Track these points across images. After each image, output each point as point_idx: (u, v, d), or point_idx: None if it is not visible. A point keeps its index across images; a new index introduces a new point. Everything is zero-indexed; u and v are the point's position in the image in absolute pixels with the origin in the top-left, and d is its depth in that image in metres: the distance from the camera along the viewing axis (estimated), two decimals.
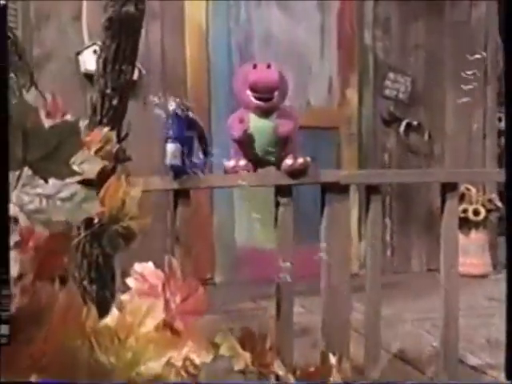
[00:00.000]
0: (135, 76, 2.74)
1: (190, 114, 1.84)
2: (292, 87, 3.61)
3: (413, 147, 3.99)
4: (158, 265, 0.95)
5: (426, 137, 4.01)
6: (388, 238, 3.94)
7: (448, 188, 2.05)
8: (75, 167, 0.77)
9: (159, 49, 3.45)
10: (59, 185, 0.75)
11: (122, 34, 1.38)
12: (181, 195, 1.83)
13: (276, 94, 1.88)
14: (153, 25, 3.38)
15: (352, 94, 3.82)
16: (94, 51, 3.23)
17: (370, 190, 2.01)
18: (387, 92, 3.89)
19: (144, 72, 3.37)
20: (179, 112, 1.79)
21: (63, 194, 0.75)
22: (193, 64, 3.53)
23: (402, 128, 3.92)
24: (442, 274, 2.06)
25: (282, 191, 1.92)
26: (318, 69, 3.78)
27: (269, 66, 1.88)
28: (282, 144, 1.91)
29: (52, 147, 0.71)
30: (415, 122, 3.95)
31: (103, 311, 1.70)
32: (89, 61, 3.25)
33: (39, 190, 0.74)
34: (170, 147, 1.78)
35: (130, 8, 1.32)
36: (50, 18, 3.29)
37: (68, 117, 1.25)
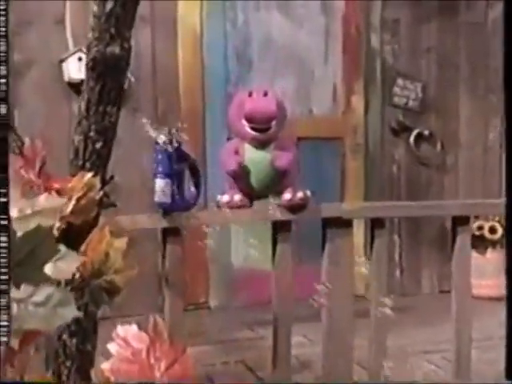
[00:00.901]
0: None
1: (181, 146, 1.86)
2: (293, 94, 3.72)
3: (424, 159, 4.00)
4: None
5: (439, 147, 4.02)
6: (396, 256, 3.96)
7: (460, 222, 2.07)
8: (50, 265, 0.79)
9: (149, 54, 3.47)
10: (32, 288, 0.76)
11: (107, 75, 1.40)
12: (171, 233, 1.85)
13: (273, 123, 1.89)
14: (143, 28, 3.39)
15: (358, 102, 3.84)
16: (79, 58, 3.25)
17: (375, 224, 2.03)
18: (396, 99, 3.91)
19: (133, 80, 3.39)
20: (169, 146, 1.81)
21: (37, 298, 0.76)
22: (186, 70, 3.55)
23: (412, 138, 3.94)
24: (453, 302, 2.08)
25: (279, 227, 1.94)
26: (321, 75, 3.79)
27: (265, 94, 1.90)
28: (280, 177, 1.93)
29: (25, 254, 0.72)
30: (426, 132, 3.97)
31: (84, 365, 1.72)
32: (73, 69, 3.26)
33: (10, 294, 0.75)
34: (159, 183, 1.81)
35: (115, 48, 1.34)
36: (32, 22, 3.29)
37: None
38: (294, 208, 1.92)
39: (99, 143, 1.45)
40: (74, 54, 3.28)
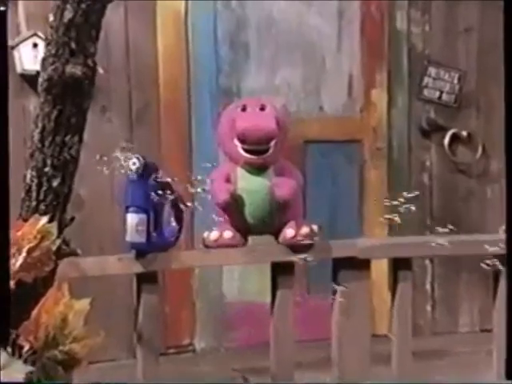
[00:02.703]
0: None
1: (159, 174, 1.88)
2: (300, 88, 3.73)
3: (461, 165, 4.01)
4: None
5: (479, 151, 4.03)
6: (428, 286, 3.97)
7: (503, 260, 2.08)
8: None
9: (122, 39, 3.49)
10: None
11: (66, 99, 1.41)
12: (146, 280, 1.87)
13: (272, 144, 1.91)
14: (114, 8, 3.38)
15: (379, 97, 3.85)
16: (34, 45, 3.27)
17: (399, 265, 2.05)
18: (427, 93, 3.91)
19: (101, 71, 3.39)
20: (144, 172, 1.82)
21: None
22: (167, 58, 3.56)
23: (446, 140, 3.95)
24: (495, 344, 2.11)
25: (281, 270, 1.97)
26: (333, 64, 3.80)
27: (262, 108, 1.91)
28: (281, 208, 1.95)
29: None
30: (464, 133, 3.97)
31: None
32: (27, 58, 3.28)
33: None
34: (132, 219, 1.83)
35: (76, 70, 1.34)
36: None
37: None
38: (298, 247, 1.94)
39: (56, 180, 1.46)
40: (27, 39, 3.29)
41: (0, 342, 1.17)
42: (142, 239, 1.83)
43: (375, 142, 3.87)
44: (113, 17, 3.37)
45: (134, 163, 1.82)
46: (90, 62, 1.40)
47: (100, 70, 3.49)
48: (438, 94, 3.93)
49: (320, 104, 3.80)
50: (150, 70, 3.55)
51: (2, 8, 0.69)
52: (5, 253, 1.14)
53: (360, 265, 1.99)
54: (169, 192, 1.89)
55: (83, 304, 1.37)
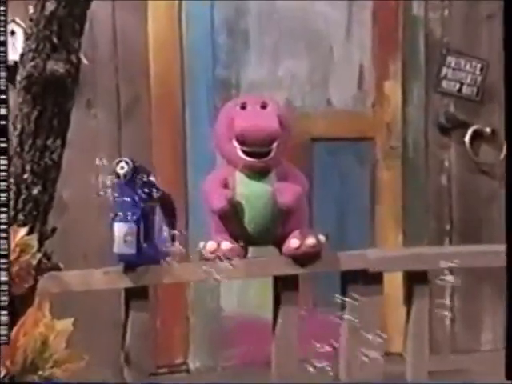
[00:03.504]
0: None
1: (150, 177, 1.89)
2: (305, 80, 3.73)
3: (484, 166, 4.01)
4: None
5: (504, 150, 4.02)
6: (447, 300, 3.97)
7: None
8: None
9: (109, 27, 3.49)
10: None
11: (47, 98, 1.41)
12: (135, 295, 1.88)
13: (274, 146, 1.91)
14: None
15: (393, 90, 3.85)
16: (12, 32, 3.27)
17: (414, 278, 2.06)
18: (446, 85, 3.91)
19: (86, 62, 3.40)
20: (133, 177, 1.83)
21: None
22: (159, 48, 3.57)
23: (467, 138, 3.95)
24: None
25: (283, 284, 1.97)
26: (342, 53, 3.80)
27: (264, 106, 1.91)
28: (284, 217, 1.95)
29: None
30: (488, 129, 3.98)
31: None
32: None
33: None
34: (120, 229, 1.84)
35: (58, 67, 1.35)
36: None
37: None
38: (303, 259, 1.94)
39: (36, 188, 1.47)
40: None
41: None
42: (132, 250, 1.83)
43: (389, 140, 3.87)
44: (99, 1, 3.38)
45: (122, 167, 1.82)
46: (73, 58, 1.40)
47: (84, 61, 3.51)
48: (458, 86, 3.93)
49: (327, 97, 3.80)
50: (139, 60, 3.55)
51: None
52: None
53: (371, 278, 2.00)
54: (159, 196, 1.90)
55: (65, 324, 1.38)
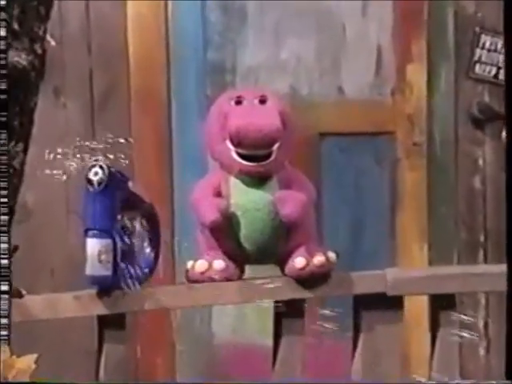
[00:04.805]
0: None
1: (129, 184, 1.89)
2: (313, 65, 3.73)
3: None
4: None
5: None
6: (481, 324, 3.98)
7: None
8: None
9: (81, 3, 3.48)
10: None
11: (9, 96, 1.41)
12: (110, 325, 1.88)
13: (275, 147, 1.91)
14: None
15: (417, 75, 3.85)
16: None
17: (440, 303, 2.06)
18: (479, 69, 3.92)
19: (53, 44, 3.41)
20: (109, 184, 1.83)
21: None
22: (140, 27, 3.57)
23: (504, 133, 3.95)
24: None
25: (286, 310, 1.97)
26: (357, 33, 3.81)
27: (263, 101, 1.91)
28: (287, 231, 1.95)
29: None
30: None
31: None
32: None
33: None
34: (93, 245, 1.83)
35: (20, 58, 1.35)
36: None
37: None
38: (310, 280, 1.94)
39: None
40: None
41: None
42: (107, 272, 1.81)
43: (411, 135, 3.87)
44: None
45: (96, 173, 1.80)
46: (37, 47, 1.40)
47: (52, 42, 3.53)
48: (493, 70, 3.93)
49: (339, 85, 3.80)
50: (116, 41, 3.56)
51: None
52: None
53: (390, 303, 1.99)
54: (139, 206, 1.90)
55: (27, 362, 1.38)
